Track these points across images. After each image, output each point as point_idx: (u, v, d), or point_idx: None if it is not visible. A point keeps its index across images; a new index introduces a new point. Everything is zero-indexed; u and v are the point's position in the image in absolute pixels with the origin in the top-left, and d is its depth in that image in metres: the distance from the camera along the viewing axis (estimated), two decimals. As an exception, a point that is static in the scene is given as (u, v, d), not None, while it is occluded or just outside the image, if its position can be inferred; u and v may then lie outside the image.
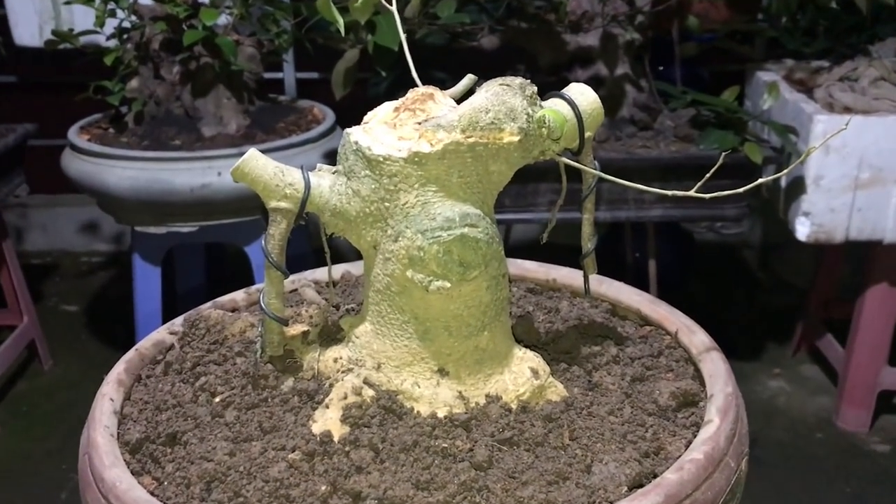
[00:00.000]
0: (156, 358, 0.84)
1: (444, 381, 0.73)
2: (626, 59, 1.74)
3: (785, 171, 0.77)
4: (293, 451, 0.68)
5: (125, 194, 1.66)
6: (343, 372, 0.75)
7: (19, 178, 2.05)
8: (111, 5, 1.74)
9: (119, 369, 0.80)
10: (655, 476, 0.65)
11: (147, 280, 1.81)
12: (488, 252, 0.69)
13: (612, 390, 0.77)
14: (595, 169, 0.75)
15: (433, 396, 0.72)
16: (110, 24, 1.77)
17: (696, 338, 0.83)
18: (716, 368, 0.77)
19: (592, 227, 0.81)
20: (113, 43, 1.79)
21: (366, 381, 0.73)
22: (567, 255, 0.97)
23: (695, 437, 0.69)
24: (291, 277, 0.96)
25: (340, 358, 0.76)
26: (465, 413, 0.71)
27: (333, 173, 0.71)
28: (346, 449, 0.67)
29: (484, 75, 0.74)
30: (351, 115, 0.80)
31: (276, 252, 0.71)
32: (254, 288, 0.97)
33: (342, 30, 0.84)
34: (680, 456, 0.67)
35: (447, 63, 1.72)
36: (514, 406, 0.73)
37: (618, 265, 2.18)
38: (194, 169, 1.63)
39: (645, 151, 1.67)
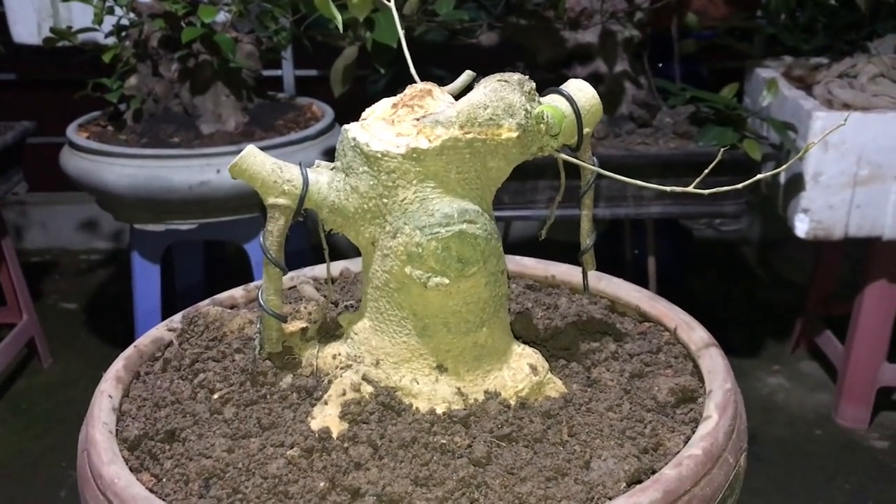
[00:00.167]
0: (154, 355, 0.84)
1: (443, 378, 0.73)
2: (625, 56, 1.73)
3: (783, 167, 0.77)
4: (292, 448, 0.68)
5: (124, 192, 1.65)
6: (342, 368, 0.75)
7: (18, 175, 2.05)
8: (109, 3, 1.74)
9: (118, 366, 0.80)
10: (654, 472, 0.65)
11: (146, 277, 1.81)
12: (487, 248, 0.69)
13: (610, 386, 0.77)
14: (594, 165, 0.75)
15: (432, 393, 0.72)
16: (109, 22, 1.77)
17: (694, 334, 0.83)
18: (714, 365, 0.77)
19: (591, 223, 0.81)
20: (111, 40, 1.79)
21: (364, 378, 0.73)
22: (566, 251, 0.97)
23: (693, 433, 0.69)
24: (290, 274, 0.96)
25: (339, 354, 0.76)
26: (464, 409, 0.71)
27: (331, 170, 0.71)
28: (345, 445, 0.67)
29: (483, 72, 0.73)
30: (350, 112, 0.80)
31: (275, 249, 0.71)
32: (252, 285, 0.97)
33: (341, 27, 0.84)
34: (678, 452, 0.67)
35: (446, 60, 1.72)
36: (512, 402, 0.73)
37: (617, 262, 2.18)
38: (193, 166, 1.63)
39: (644, 148, 1.67)
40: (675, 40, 1.92)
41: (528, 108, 0.69)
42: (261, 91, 1.91)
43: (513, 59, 1.83)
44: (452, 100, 0.71)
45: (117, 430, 0.73)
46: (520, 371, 0.74)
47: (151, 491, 0.65)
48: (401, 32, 0.78)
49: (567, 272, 0.97)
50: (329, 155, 1.73)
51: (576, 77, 0.75)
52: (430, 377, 0.72)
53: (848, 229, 1.67)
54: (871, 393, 1.89)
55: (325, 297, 0.89)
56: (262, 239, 0.71)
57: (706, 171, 0.70)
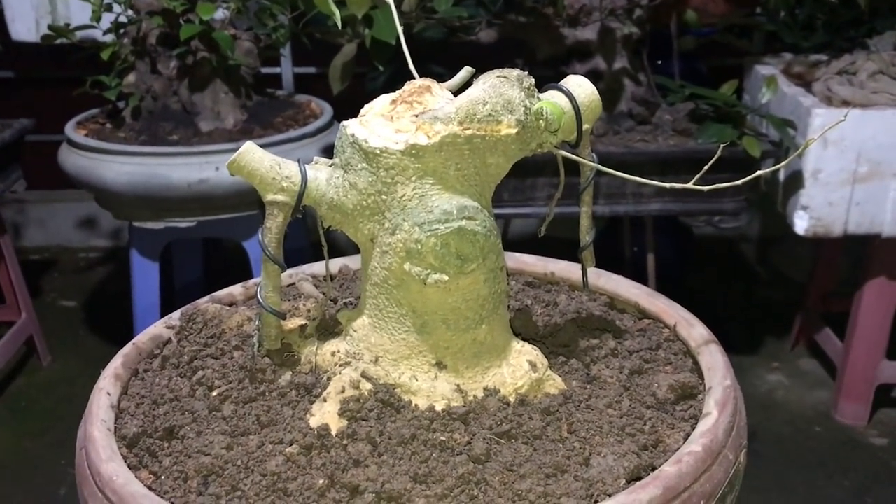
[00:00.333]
0: (153, 352, 0.84)
1: (442, 375, 0.72)
2: (624, 53, 1.73)
3: (783, 163, 0.77)
4: (291, 445, 0.67)
5: (123, 189, 1.65)
6: (341, 365, 0.75)
7: (16, 173, 2.05)
8: (107, 0, 1.74)
9: (116, 364, 0.80)
10: (654, 469, 0.65)
11: (145, 275, 1.81)
12: (486, 245, 0.69)
13: (610, 383, 0.77)
14: (593, 162, 0.75)
15: (431, 390, 0.72)
16: (107, 19, 1.76)
17: (694, 331, 0.83)
18: (714, 361, 0.77)
19: (590, 220, 0.81)
20: (110, 38, 1.79)
21: (363, 375, 0.72)
22: (565, 248, 0.97)
23: (693, 429, 0.69)
24: (289, 271, 0.96)
25: (338, 351, 0.75)
26: (463, 406, 0.71)
27: (330, 166, 0.71)
28: (344, 442, 0.67)
29: (482, 69, 0.73)
30: (348, 109, 0.80)
31: (273, 245, 0.71)
32: (251, 282, 0.97)
33: (339, 24, 0.84)
34: (678, 448, 0.67)
35: (445, 57, 1.72)
36: (512, 399, 0.73)
37: (616, 259, 2.18)
38: (192, 164, 1.63)
39: (643, 145, 1.67)
40: (674, 37, 1.92)
41: (528, 104, 0.69)
42: (259, 88, 1.90)
43: (512, 56, 1.83)
44: (451, 96, 0.71)
45: (116, 427, 0.73)
46: (519, 368, 0.74)
47: (150, 488, 0.65)
48: (399, 29, 0.78)
49: (566, 269, 0.97)
50: (328, 152, 1.73)
51: (575, 74, 0.74)
52: (430, 374, 0.72)
53: (847, 226, 1.67)
54: (871, 390, 1.89)
55: (323, 294, 0.89)
56: (260, 236, 0.71)
57: (705, 167, 0.70)
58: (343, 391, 0.71)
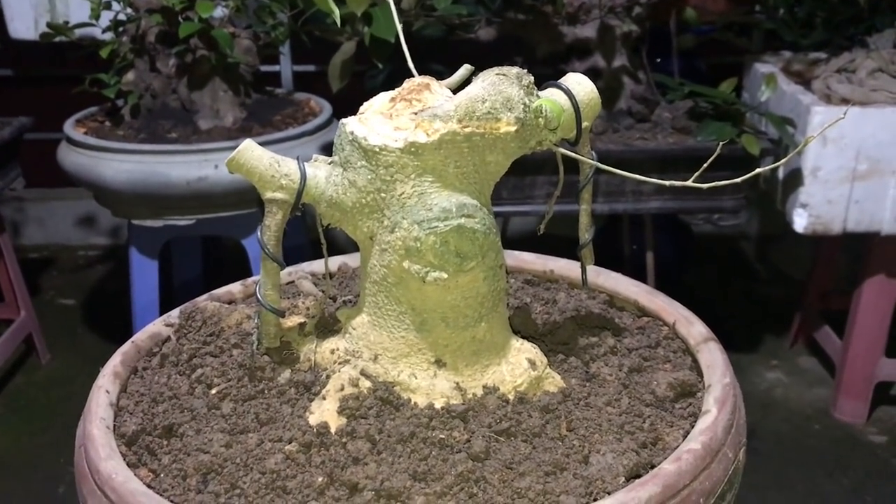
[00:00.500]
0: (152, 350, 0.84)
1: (442, 373, 0.72)
2: (623, 50, 1.73)
3: (782, 161, 0.77)
4: (290, 443, 0.67)
5: (122, 187, 1.65)
6: (340, 363, 0.75)
7: (15, 171, 2.04)
8: (106, -2, 1.74)
9: (115, 361, 0.80)
10: (653, 466, 0.65)
11: (144, 273, 1.81)
12: (485, 242, 0.69)
13: (609, 381, 0.77)
14: (592, 160, 0.75)
15: (430, 387, 0.72)
16: (106, 17, 1.76)
17: (693, 329, 0.83)
18: (713, 359, 0.77)
19: (590, 217, 0.81)
20: (109, 36, 1.79)
21: (363, 373, 0.72)
22: (564, 246, 0.97)
23: (692, 427, 0.69)
24: (288, 269, 0.96)
25: (337, 349, 0.75)
26: (463, 404, 0.71)
27: (329, 164, 0.71)
28: (343, 440, 0.67)
29: (481, 67, 0.73)
30: (348, 107, 0.80)
31: (273, 243, 0.71)
32: (250, 280, 0.97)
33: (339, 22, 0.84)
34: (678, 446, 0.67)
35: (444, 55, 1.72)
36: (511, 397, 0.72)
37: (615, 257, 2.18)
38: (191, 162, 1.63)
39: (642, 143, 1.67)
40: (673, 35, 1.92)
41: (527, 101, 0.69)
42: (258, 86, 1.90)
43: (511, 53, 1.82)
44: (450, 94, 0.71)
45: (115, 425, 0.73)
46: (518, 366, 0.74)
47: (149, 486, 0.65)
48: (399, 27, 0.78)
49: (566, 267, 0.97)
50: (327, 150, 1.72)
51: (574, 72, 0.74)
52: (429, 372, 0.72)
53: (846, 224, 1.67)
54: (870, 388, 1.89)
55: (323, 292, 0.89)
56: (259, 234, 0.71)
57: (705, 165, 0.70)
58: (342, 389, 0.71)
